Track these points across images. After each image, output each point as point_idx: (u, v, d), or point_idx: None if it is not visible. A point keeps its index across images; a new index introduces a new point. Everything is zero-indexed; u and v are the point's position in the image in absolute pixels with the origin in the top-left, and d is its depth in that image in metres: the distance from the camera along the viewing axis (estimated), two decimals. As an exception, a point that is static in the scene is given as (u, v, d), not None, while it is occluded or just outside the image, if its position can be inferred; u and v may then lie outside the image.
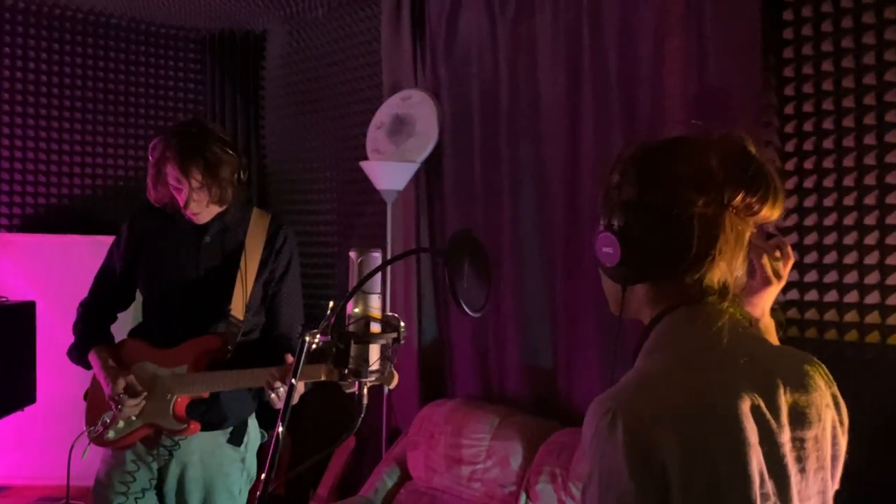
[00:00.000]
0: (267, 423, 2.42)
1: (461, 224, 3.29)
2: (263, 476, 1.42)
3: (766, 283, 1.13)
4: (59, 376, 3.56)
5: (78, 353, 2.35)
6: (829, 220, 2.28)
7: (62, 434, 3.48)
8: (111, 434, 2.23)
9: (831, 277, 2.28)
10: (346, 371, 1.27)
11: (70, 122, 4.14)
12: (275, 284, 2.34)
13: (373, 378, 1.30)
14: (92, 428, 2.25)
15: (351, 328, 1.28)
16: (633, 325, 1.09)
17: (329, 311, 1.25)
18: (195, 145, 2.19)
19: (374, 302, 1.32)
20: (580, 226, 2.88)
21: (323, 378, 1.93)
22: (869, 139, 2.20)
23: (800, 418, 1.01)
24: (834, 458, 1.07)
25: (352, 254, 1.32)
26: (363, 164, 3.35)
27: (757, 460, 0.94)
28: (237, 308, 2.26)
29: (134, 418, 2.22)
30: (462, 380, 3.33)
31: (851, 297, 2.24)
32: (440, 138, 3.33)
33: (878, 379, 2.17)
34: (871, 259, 2.20)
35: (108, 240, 3.62)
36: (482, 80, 3.21)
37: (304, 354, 1.35)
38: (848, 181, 2.24)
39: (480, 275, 1.24)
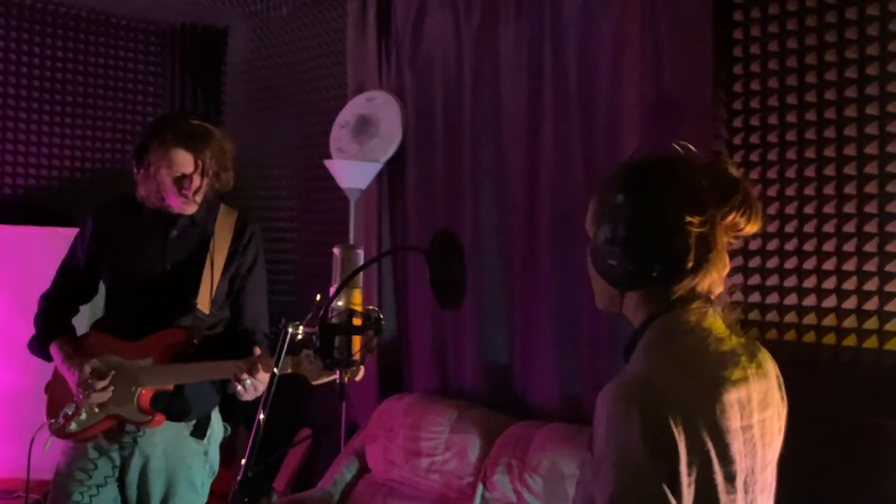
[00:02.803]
0: (229, 418, 2.42)
1: (423, 223, 3.34)
2: (244, 461, 1.48)
3: None
4: (10, 368, 3.50)
5: (39, 345, 2.30)
6: (772, 227, 2.42)
7: (13, 427, 3.42)
8: (73, 426, 2.18)
9: (773, 280, 2.42)
10: (330, 360, 1.33)
11: (27, 113, 4.07)
12: (241, 280, 2.32)
13: (354, 367, 1.37)
14: (53, 420, 2.20)
15: (334, 320, 1.35)
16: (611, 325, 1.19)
17: (317, 304, 1.31)
18: (207, 134, 2.19)
19: (357, 296, 1.39)
20: (538, 227, 2.96)
21: (289, 370, 1.96)
22: (809, 152, 2.35)
23: (763, 403, 1.18)
24: (780, 429, 1.23)
25: (335, 250, 1.39)
26: (327, 163, 3.36)
27: (737, 442, 1.10)
28: (203, 302, 2.24)
29: (97, 410, 2.17)
30: (420, 375, 3.37)
31: (791, 299, 2.39)
32: (404, 139, 3.36)
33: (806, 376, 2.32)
34: (809, 265, 2.35)
35: (64, 231, 3.59)
36: (446, 85, 3.26)
37: (286, 345, 1.42)
38: (790, 191, 2.39)
39: (460, 272, 1.32)
